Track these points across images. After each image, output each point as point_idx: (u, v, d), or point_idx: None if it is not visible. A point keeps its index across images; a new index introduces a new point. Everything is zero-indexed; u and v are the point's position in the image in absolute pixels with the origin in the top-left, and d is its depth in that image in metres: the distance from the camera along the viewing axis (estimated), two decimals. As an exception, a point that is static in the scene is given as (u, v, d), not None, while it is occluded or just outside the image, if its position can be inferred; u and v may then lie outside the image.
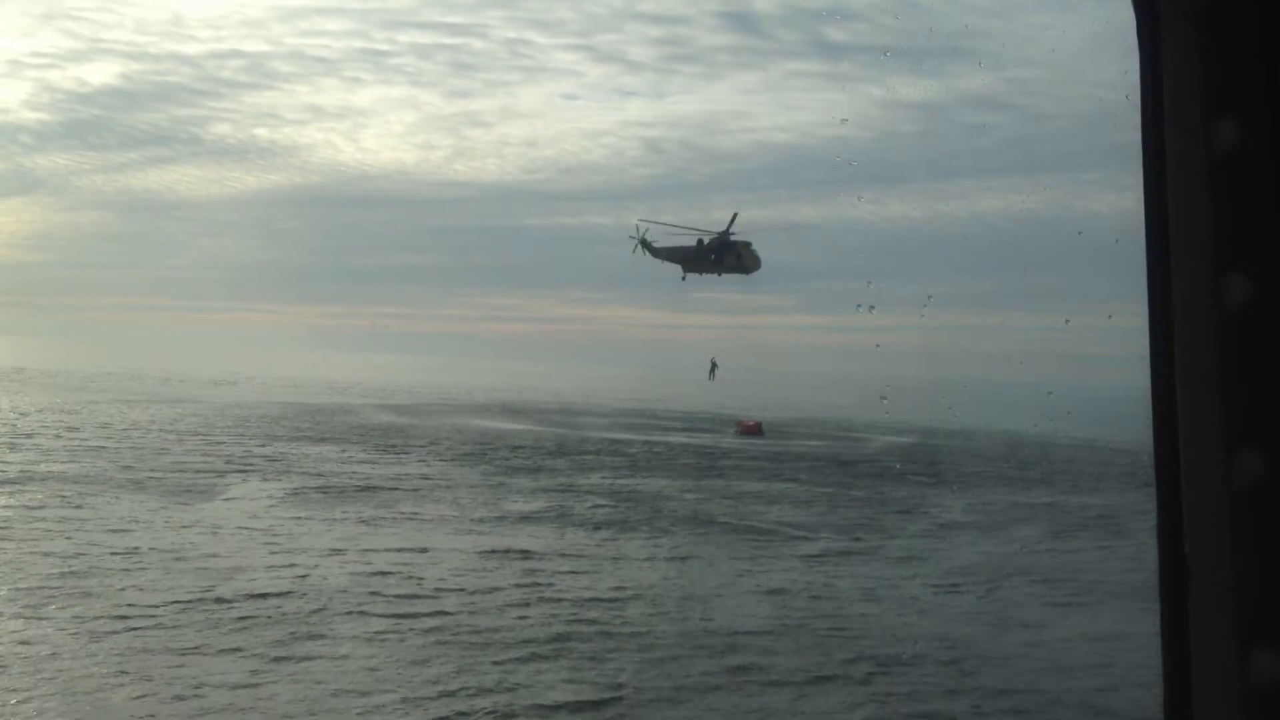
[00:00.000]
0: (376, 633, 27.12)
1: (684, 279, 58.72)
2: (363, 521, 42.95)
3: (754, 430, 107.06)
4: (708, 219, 58.73)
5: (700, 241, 58.18)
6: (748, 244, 58.22)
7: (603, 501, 51.69)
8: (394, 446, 73.15)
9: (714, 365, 59.39)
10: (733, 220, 57.68)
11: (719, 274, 58.44)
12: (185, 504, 45.10)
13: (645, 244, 57.98)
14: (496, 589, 32.23)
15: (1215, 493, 1.39)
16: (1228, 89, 1.41)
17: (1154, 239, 1.50)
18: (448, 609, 29.85)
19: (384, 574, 33.65)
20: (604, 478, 62.21)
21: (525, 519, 45.00)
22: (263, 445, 70.61)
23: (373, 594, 31.10)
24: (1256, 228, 1.40)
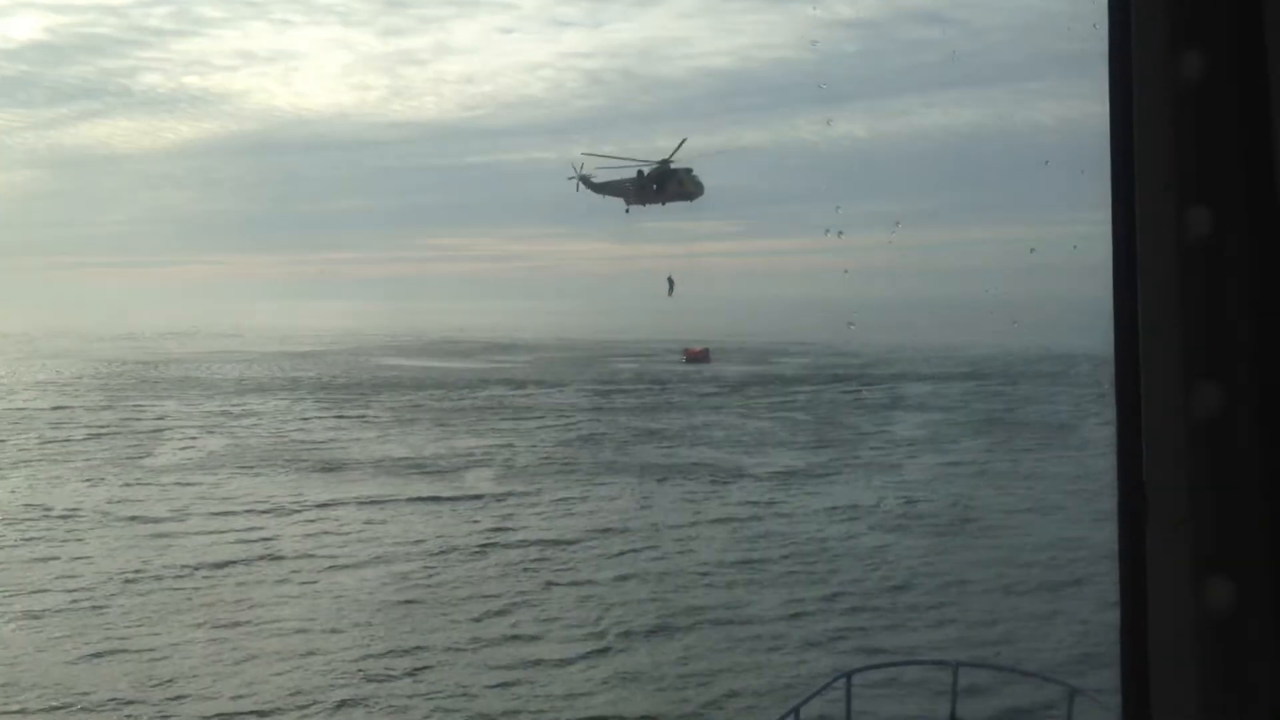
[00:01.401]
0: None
1: (628, 211, 58.34)
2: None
3: (701, 356, 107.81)
4: (652, 148, 58.70)
5: (640, 173, 57.68)
6: (689, 170, 57.82)
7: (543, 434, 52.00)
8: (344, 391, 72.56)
9: (671, 282, 59.69)
10: (679, 147, 57.29)
11: (663, 203, 58.08)
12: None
13: (585, 180, 57.34)
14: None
15: (1174, 423, 1.39)
16: (1196, 19, 1.40)
17: (1119, 170, 1.49)
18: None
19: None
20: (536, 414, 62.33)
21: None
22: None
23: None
24: (1221, 162, 1.40)
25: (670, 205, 58.08)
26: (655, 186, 57.11)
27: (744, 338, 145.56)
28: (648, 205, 57.47)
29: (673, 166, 56.83)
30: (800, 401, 65.10)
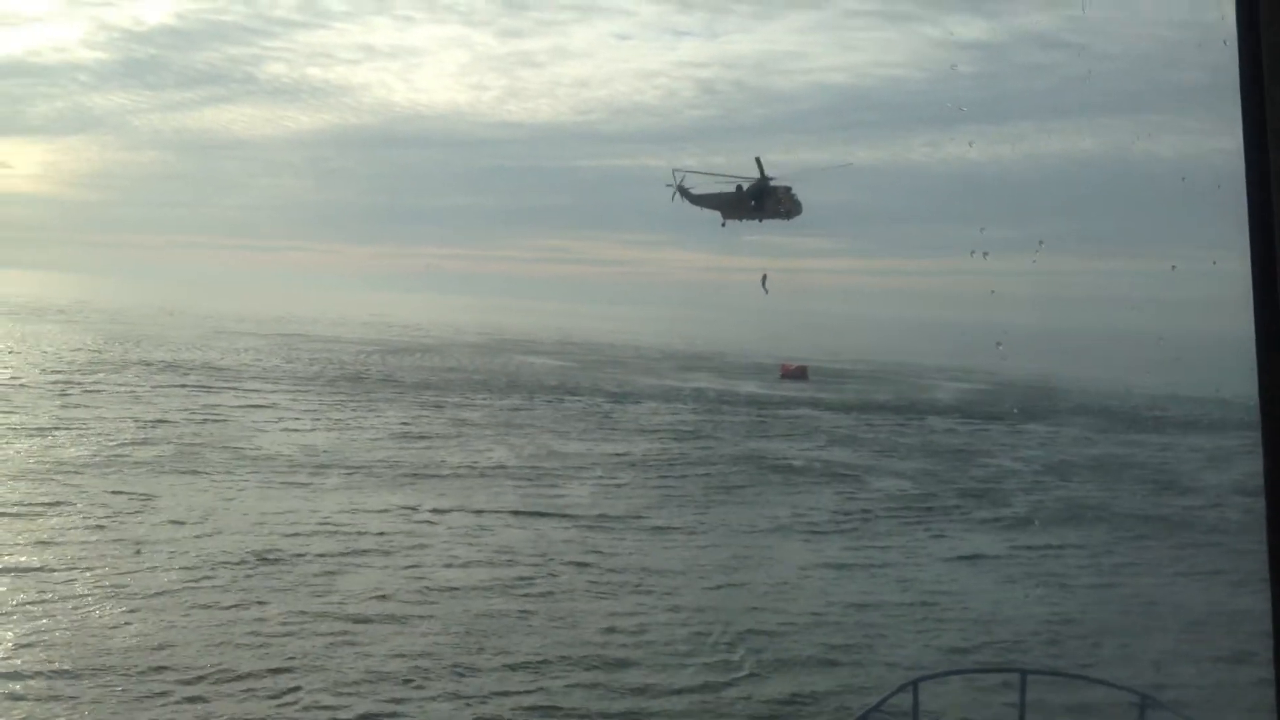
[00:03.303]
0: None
1: (724, 225, 57.90)
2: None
3: (797, 374, 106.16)
4: (764, 161, 57.26)
5: (739, 187, 57.19)
6: (788, 189, 57.11)
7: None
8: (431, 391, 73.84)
9: (765, 279, 59.19)
10: (760, 166, 56.50)
11: (759, 220, 57.50)
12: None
13: (683, 190, 57.16)
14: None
15: None
16: None
17: (1255, 197, 1.45)
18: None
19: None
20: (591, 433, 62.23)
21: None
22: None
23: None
24: None
25: (768, 221, 57.57)
26: (753, 203, 56.58)
27: (844, 356, 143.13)
28: (743, 221, 57.14)
29: (772, 184, 56.30)
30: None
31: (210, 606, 24.04)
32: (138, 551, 28.14)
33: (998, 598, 29.01)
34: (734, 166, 58.18)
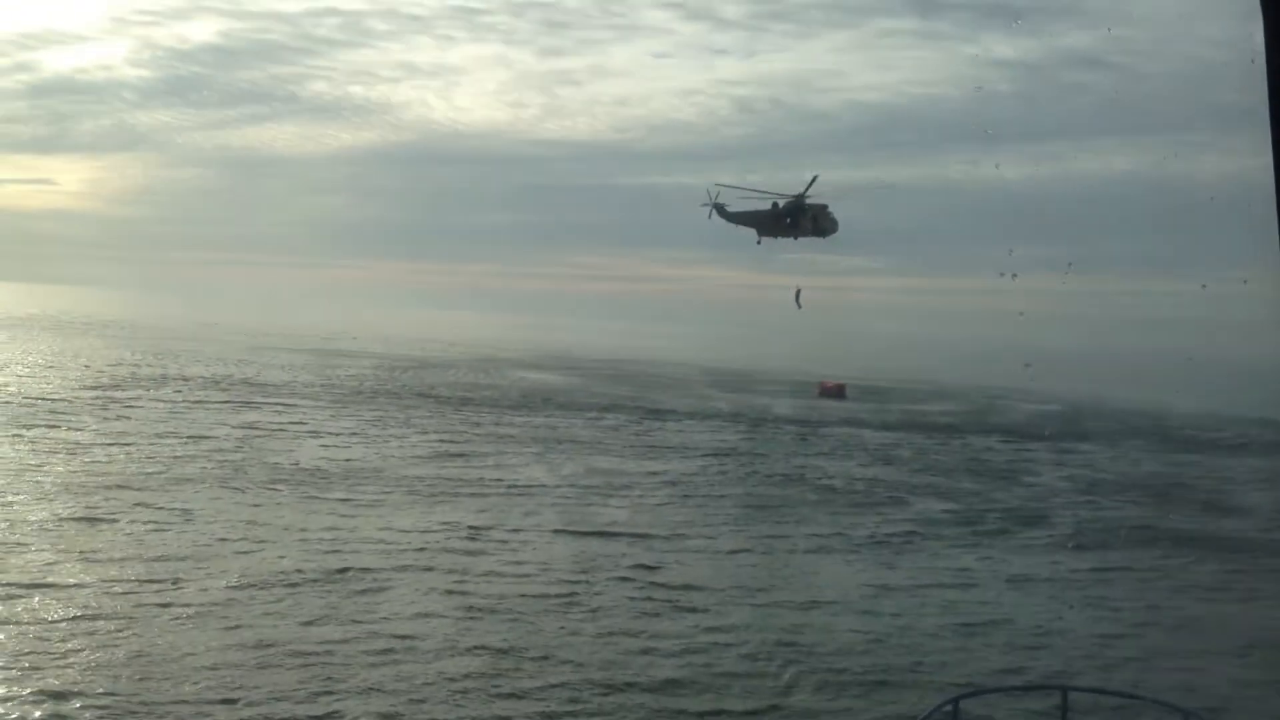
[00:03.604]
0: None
1: (759, 243, 57.73)
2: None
3: (836, 392, 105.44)
4: (799, 180, 57.64)
5: (775, 204, 56.98)
6: (824, 206, 56.82)
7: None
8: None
9: (798, 293, 58.71)
10: (811, 183, 56.28)
11: (795, 238, 57.26)
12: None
13: (718, 208, 57.05)
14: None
15: None
16: None
17: None
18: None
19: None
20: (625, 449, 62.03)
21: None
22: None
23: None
24: None
25: (804, 240, 57.34)
26: (788, 220, 56.37)
27: (880, 374, 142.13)
28: (779, 239, 56.95)
29: (808, 202, 56.07)
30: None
31: (251, 625, 24.10)
32: (178, 569, 28.29)
33: (1043, 618, 28.54)
34: (771, 184, 57.92)
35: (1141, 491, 51.35)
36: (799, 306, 59.49)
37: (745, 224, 57.12)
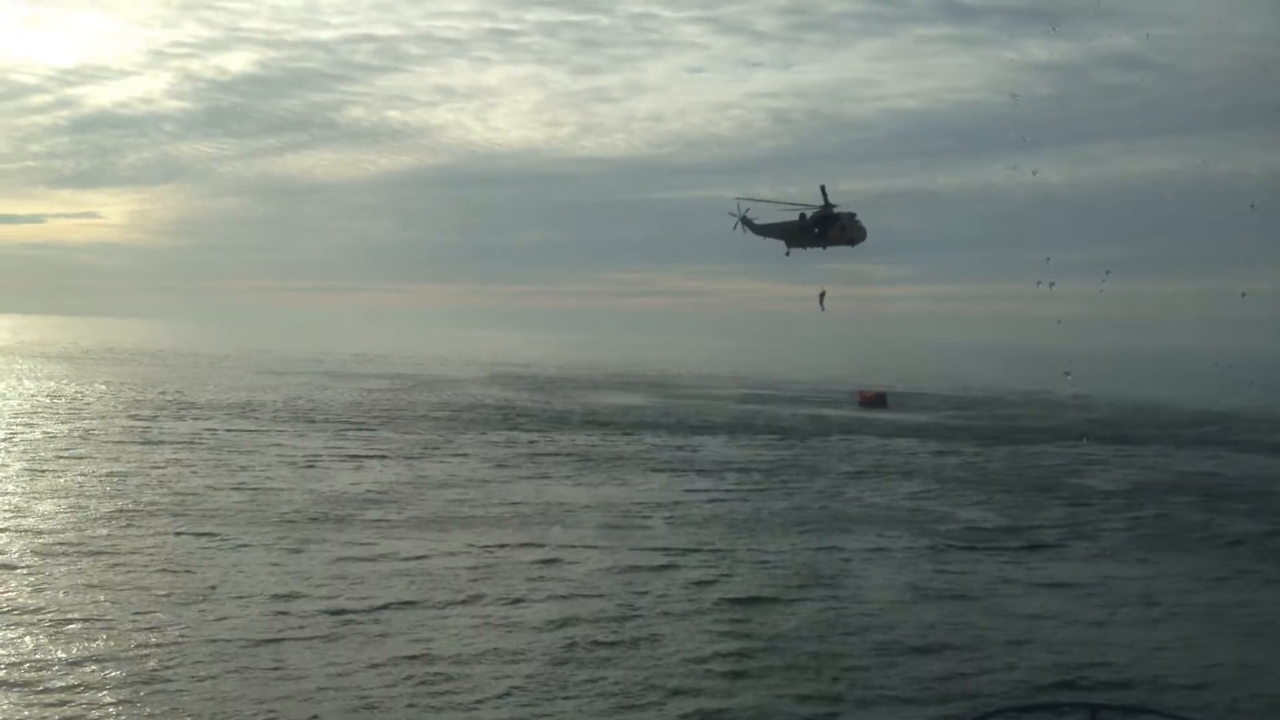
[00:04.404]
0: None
1: (788, 254, 57.21)
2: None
3: (876, 401, 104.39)
4: (836, 190, 56.94)
5: (802, 215, 56.45)
6: (852, 215, 56.16)
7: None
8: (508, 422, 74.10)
9: (822, 296, 58.06)
10: (824, 192, 55.75)
11: (823, 247, 56.65)
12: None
13: (745, 221, 56.64)
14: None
15: None
16: None
17: None
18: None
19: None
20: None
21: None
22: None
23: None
24: None
25: (833, 249, 56.71)
26: (816, 230, 55.81)
27: (918, 381, 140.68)
28: (808, 249, 56.34)
29: (835, 211, 55.49)
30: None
31: (289, 659, 23.90)
32: (209, 598, 28.27)
33: (1091, 629, 27.83)
34: (808, 196, 57.34)
35: (1193, 492, 50.36)
36: (823, 309, 58.97)
37: (772, 236, 56.56)
